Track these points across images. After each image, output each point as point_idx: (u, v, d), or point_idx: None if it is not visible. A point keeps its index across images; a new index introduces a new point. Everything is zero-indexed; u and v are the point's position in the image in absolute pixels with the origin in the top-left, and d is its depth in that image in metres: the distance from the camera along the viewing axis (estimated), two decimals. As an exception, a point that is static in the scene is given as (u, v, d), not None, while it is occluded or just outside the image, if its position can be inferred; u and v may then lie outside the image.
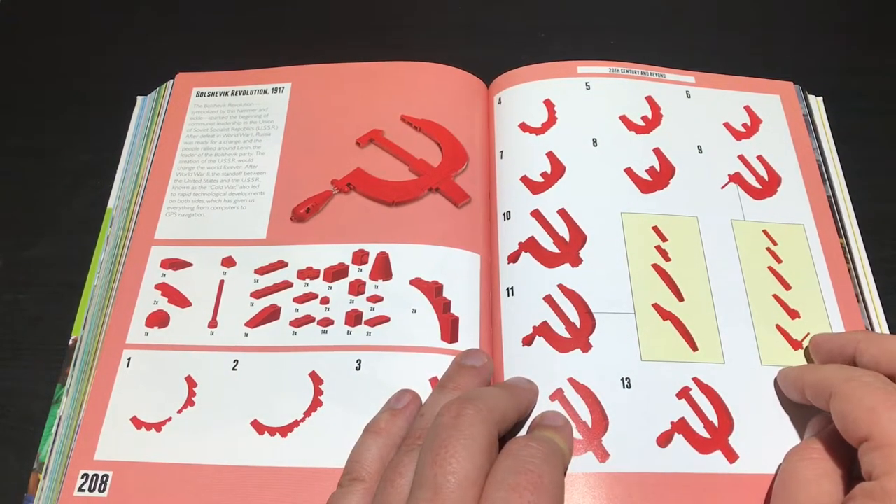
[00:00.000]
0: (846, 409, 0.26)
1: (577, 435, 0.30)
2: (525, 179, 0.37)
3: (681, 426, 0.31)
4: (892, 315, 0.35)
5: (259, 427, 0.31)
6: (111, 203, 0.39)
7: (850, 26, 0.47)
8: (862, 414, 0.25)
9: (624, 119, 0.39)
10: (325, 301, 0.34)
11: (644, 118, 0.39)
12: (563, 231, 0.35)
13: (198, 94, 0.41)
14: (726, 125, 0.40)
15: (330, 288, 0.34)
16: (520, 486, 0.24)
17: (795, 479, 0.27)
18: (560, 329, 0.33)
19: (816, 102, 0.41)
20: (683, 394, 0.31)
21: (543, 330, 0.33)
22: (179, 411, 0.31)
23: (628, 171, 0.37)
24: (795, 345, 0.33)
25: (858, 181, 0.39)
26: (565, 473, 0.28)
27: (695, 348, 0.33)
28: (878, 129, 0.42)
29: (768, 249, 0.36)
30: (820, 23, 0.47)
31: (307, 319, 0.34)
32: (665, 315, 0.33)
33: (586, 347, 0.32)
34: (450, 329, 0.33)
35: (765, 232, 0.36)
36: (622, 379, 0.31)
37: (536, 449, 0.26)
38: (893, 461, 0.24)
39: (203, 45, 0.45)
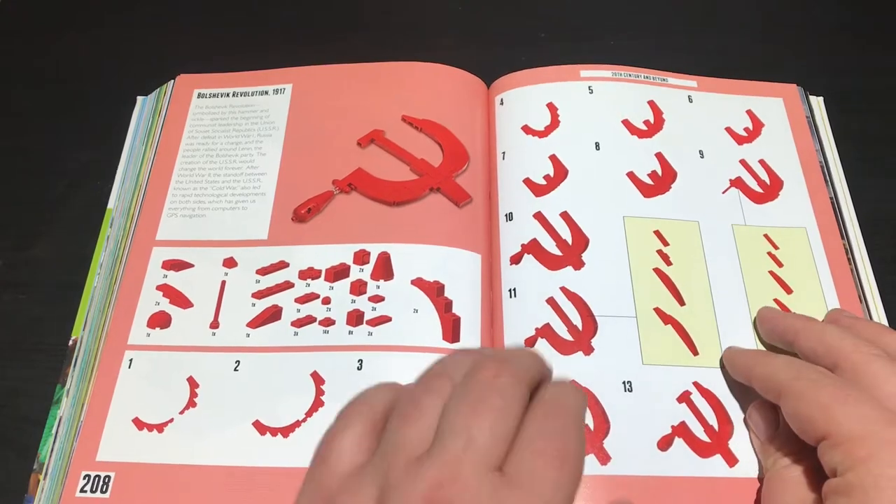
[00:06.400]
0: (799, 408, 0.26)
1: (577, 437, 0.30)
2: (528, 181, 0.37)
3: (681, 430, 0.31)
4: (894, 315, 0.35)
5: (261, 427, 0.31)
6: (111, 203, 0.39)
7: (850, 26, 0.47)
8: (816, 412, 0.25)
9: (626, 123, 0.39)
10: (326, 301, 0.34)
11: (646, 122, 0.39)
12: (565, 234, 0.35)
13: (199, 96, 0.41)
14: (728, 130, 0.40)
15: (331, 288, 0.34)
16: (547, 452, 0.23)
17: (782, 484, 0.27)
18: (562, 331, 0.33)
19: (817, 102, 0.41)
20: (684, 398, 0.31)
21: (546, 332, 0.33)
22: (181, 412, 0.31)
23: (630, 174, 0.37)
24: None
25: (860, 181, 0.39)
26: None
27: (695, 353, 0.33)
28: (878, 128, 0.42)
29: (769, 254, 0.36)
30: (820, 23, 0.47)
31: (308, 320, 0.34)
32: (666, 319, 0.33)
33: (588, 350, 0.32)
34: (451, 329, 0.33)
35: (766, 236, 0.36)
36: (624, 382, 0.32)
37: (561, 417, 0.25)
38: (854, 456, 0.24)
39: (204, 46, 0.45)
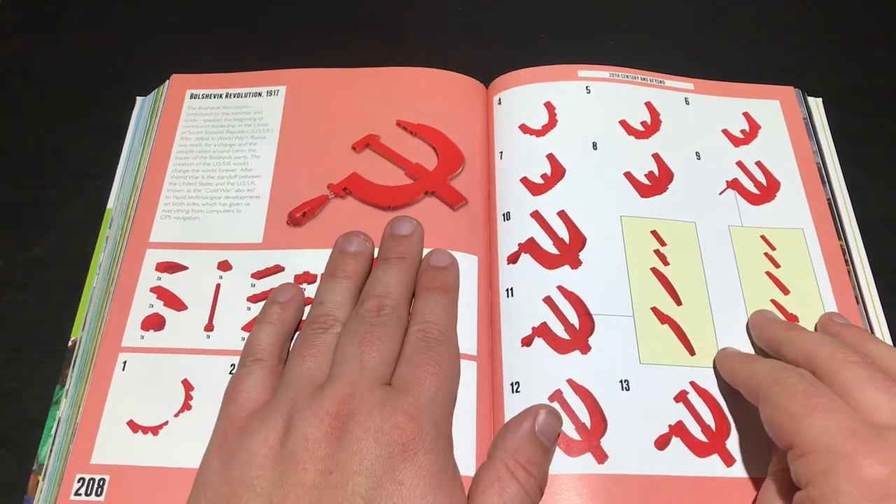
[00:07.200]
0: (771, 416, 0.26)
1: (576, 436, 0.30)
2: (525, 180, 0.37)
3: (678, 429, 0.31)
4: (893, 315, 0.35)
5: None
6: (111, 203, 0.39)
7: (850, 26, 0.47)
8: (785, 422, 0.25)
9: (623, 124, 0.39)
10: (322, 305, 0.34)
11: (643, 123, 0.39)
12: (562, 233, 0.35)
13: (192, 96, 0.41)
14: (724, 132, 0.40)
15: (327, 292, 0.34)
16: (424, 363, 0.28)
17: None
18: (559, 330, 0.33)
19: (816, 103, 0.41)
20: (681, 397, 0.32)
21: (543, 331, 0.33)
22: (176, 415, 0.31)
23: (628, 175, 0.37)
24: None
25: (858, 181, 0.39)
26: (457, 315, 0.33)
27: (692, 353, 0.33)
28: (878, 129, 0.42)
29: (766, 255, 0.36)
30: (819, 23, 0.47)
31: (304, 324, 0.34)
32: (663, 319, 0.33)
33: (585, 349, 0.32)
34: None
35: (763, 237, 0.36)
36: (621, 381, 0.32)
37: (432, 332, 0.30)
38: (815, 469, 0.24)
39: (202, 47, 0.45)
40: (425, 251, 0.34)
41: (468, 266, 0.35)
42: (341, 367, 0.28)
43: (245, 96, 0.41)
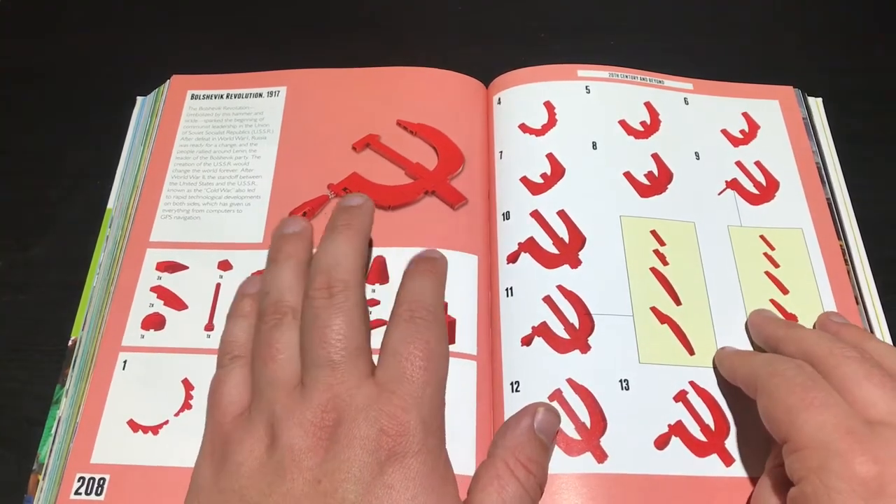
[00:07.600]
0: (769, 407, 0.26)
1: (575, 435, 0.30)
2: (525, 180, 0.37)
3: (678, 429, 0.31)
4: (893, 315, 0.35)
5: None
6: (111, 203, 0.39)
7: (849, 26, 0.47)
8: (781, 415, 0.25)
9: (623, 124, 0.39)
10: (322, 304, 0.34)
11: (643, 123, 0.39)
12: (562, 232, 0.35)
13: (192, 97, 0.41)
14: (724, 132, 0.40)
15: (328, 291, 0.34)
16: (411, 354, 0.27)
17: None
18: (559, 330, 0.33)
19: (816, 103, 0.41)
20: (680, 397, 0.32)
21: (542, 330, 0.33)
22: (176, 414, 0.31)
23: (627, 174, 0.37)
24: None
25: (858, 181, 0.39)
26: (446, 303, 0.31)
27: (691, 352, 0.33)
28: (878, 129, 0.42)
29: (765, 254, 0.36)
30: (819, 23, 0.47)
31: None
32: (663, 318, 0.33)
33: (585, 349, 0.32)
34: (448, 331, 0.33)
35: (762, 237, 0.36)
36: (621, 381, 0.32)
37: (421, 319, 0.28)
38: (809, 465, 0.24)
39: (202, 47, 0.45)
40: (419, 251, 0.34)
41: (468, 265, 0.35)
42: (312, 371, 0.27)
43: (246, 97, 0.41)
